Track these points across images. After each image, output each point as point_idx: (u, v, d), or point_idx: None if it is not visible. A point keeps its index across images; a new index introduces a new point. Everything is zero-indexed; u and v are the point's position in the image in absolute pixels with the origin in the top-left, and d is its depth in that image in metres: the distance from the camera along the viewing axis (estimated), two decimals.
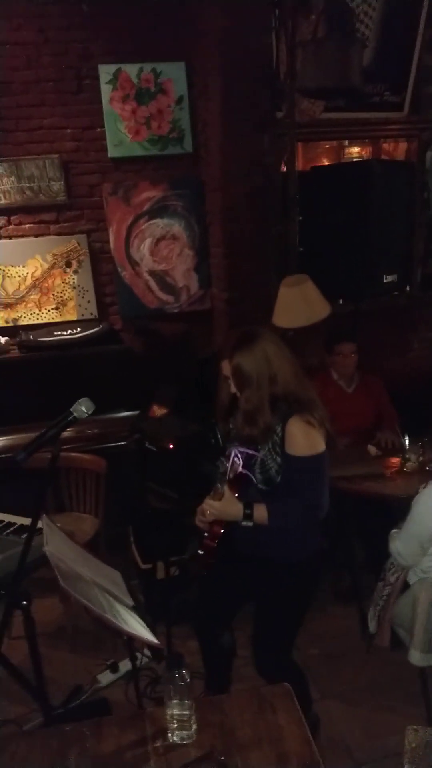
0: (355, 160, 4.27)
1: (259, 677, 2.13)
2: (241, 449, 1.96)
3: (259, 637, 2.12)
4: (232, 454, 1.98)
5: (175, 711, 1.51)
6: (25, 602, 1.93)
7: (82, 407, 1.84)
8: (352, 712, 2.48)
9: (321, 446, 1.87)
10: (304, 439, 1.85)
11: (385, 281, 3.51)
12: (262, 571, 2.04)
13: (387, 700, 2.53)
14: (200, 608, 2.29)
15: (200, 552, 2.07)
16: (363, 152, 4.28)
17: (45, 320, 3.88)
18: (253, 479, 1.95)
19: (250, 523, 1.91)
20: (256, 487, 1.96)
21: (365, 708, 2.51)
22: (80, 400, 1.85)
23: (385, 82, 3.94)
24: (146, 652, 2.71)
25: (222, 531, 2.00)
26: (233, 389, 1.93)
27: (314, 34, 3.24)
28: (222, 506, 1.91)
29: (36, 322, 3.87)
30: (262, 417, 1.87)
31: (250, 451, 1.96)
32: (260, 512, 1.90)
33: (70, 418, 1.83)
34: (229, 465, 1.98)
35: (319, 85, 2.99)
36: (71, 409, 1.84)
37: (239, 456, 1.96)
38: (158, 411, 3.01)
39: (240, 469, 1.95)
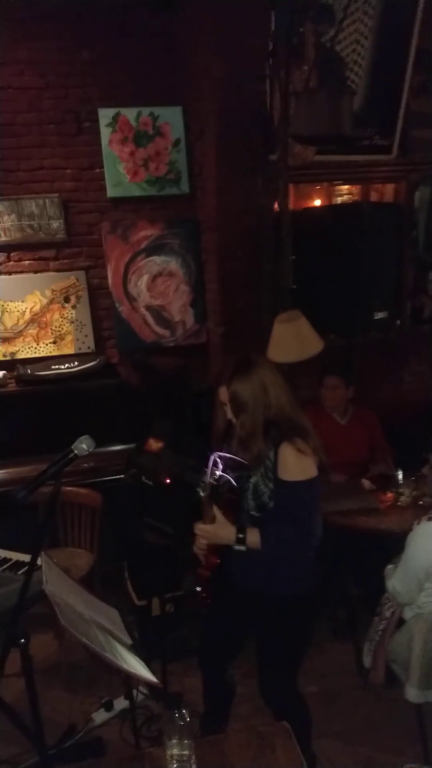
0: (345, 198, 4.40)
1: (257, 714, 2.12)
2: (221, 453, 1.96)
3: (264, 670, 2.12)
4: (211, 458, 1.95)
5: (175, 751, 1.50)
6: (23, 640, 1.92)
7: (83, 445, 1.86)
8: (349, 751, 2.47)
9: (313, 471, 1.90)
10: (296, 464, 1.88)
11: (375, 317, 3.60)
12: (262, 605, 2.05)
13: (384, 737, 2.52)
14: (204, 644, 2.29)
15: (198, 588, 2.08)
16: (353, 190, 4.41)
17: (43, 354, 3.93)
18: (234, 482, 1.95)
19: (243, 547, 1.91)
20: (248, 514, 1.98)
21: (362, 746, 2.49)
22: (81, 438, 1.87)
23: (375, 126, 4.09)
24: (142, 689, 2.69)
25: (218, 561, 2.02)
26: (229, 415, 1.97)
27: (307, 83, 3.38)
28: (215, 529, 1.93)
29: (34, 355, 3.91)
30: (256, 443, 1.90)
31: (229, 456, 1.96)
32: (253, 536, 1.91)
33: (71, 455, 1.85)
34: (208, 469, 1.94)
35: (311, 132, 3.11)
36: (72, 447, 1.86)
37: (219, 460, 1.95)
38: (154, 445, 3.03)
39: (219, 472, 1.93)
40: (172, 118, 3.88)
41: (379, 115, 4.07)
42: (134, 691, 2.29)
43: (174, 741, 1.50)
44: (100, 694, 2.74)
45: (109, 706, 2.66)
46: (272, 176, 3.65)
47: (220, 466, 1.94)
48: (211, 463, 1.93)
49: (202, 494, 1.93)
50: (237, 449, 1.96)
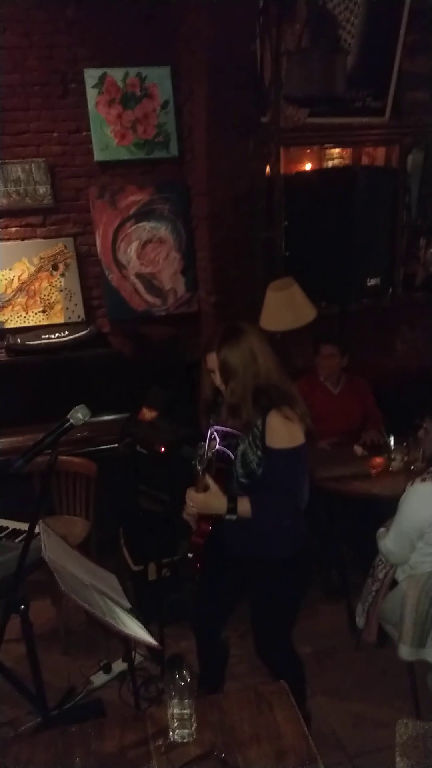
0: (336, 162, 4.33)
1: (254, 673, 2.17)
2: (218, 427, 1.97)
3: (259, 631, 2.17)
4: (209, 432, 1.97)
5: (176, 710, 1.54)
6: (22, 606, 1.94)
7: (79, 414, 1.85)
8: (342, 708, 2.54)
9: (300, 439, 1.90)
10: (283, 431, 1.88)
11: (368, 284, 3.58)
12: (254, 568, 2.08)
13: (376, 695, 2.60)
14: (198, 607, 2.33)
15: (189, 555, 2.10)
16: (344, 153, 4.34)
17: (32, 323, 3.89)
18: (231, 455, 1.97)
19: (233, 517, 1.92)
20: (237, 481, 1.99)
21: (355, 703, 2.57)
22: (77, 407, 1.86)
23: (367, 87, 3.99)
24: (140, 651, 2.74)
25: (210, 528, 2.04)
26: (218, 382, 1.96)
27: (299, 43, 3.29)
28: (207, 498, 1.93)
29: (23, 325, 3.87)
30: (246, 409, 1.90)
31: (227, 429, 1.96)
32: (244, 505, 1.92)
33: (67, 425, 1.84)
34: (206, 443, 1.96)
35: (304, 94, 3.04)
36: (68, 416, 1.85)
37: (216, 433, 1.96)
38: (148, 414, 3.03)
39: (217, 445, 1.95)
40: (160, 78, 3.77)
41: (372, 76, 3.97)
42: (132, 653, 2.33)
43: (175, 700, 1.54)
44: (98, 658, 2.79)
45: (107, 669, 2.72)
46: (264, 139, 3.58)
47: (218, 440, 1.96)
48: (209, 438, 1.94)
49: (198, 467, 1.94)
50: (226, 417, 1.96)
